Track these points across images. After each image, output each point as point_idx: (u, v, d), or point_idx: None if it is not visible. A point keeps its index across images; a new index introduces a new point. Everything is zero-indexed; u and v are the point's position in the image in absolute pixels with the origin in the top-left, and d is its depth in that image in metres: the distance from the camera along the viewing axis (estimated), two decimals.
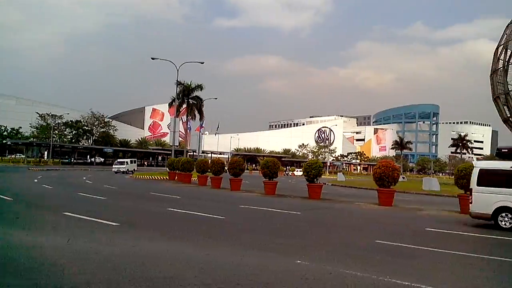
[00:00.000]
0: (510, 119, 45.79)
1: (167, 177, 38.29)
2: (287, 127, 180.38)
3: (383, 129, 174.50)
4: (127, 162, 56.97)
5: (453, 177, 22.01)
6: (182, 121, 54.73)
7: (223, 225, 11.89)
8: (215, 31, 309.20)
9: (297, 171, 76.62)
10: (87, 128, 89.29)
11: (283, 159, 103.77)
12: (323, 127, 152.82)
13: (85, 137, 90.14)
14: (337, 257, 7.88)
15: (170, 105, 50.65)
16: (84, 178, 35.74)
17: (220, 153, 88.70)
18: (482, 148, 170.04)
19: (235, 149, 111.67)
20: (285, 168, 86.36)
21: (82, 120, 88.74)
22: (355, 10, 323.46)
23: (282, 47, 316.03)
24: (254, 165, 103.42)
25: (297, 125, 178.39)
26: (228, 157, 68.69)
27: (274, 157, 37.48)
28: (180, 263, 6.91)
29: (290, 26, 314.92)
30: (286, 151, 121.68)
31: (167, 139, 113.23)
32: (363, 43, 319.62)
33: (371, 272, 6.62)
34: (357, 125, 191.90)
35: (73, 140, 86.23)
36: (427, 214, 16.85)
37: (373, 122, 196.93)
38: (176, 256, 7.47)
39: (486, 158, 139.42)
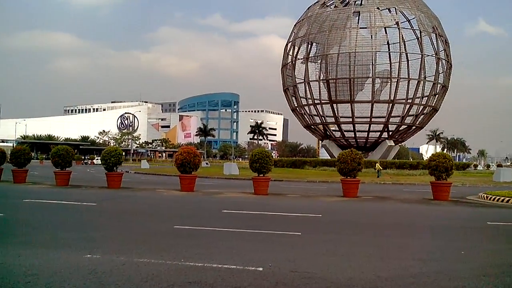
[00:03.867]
0: (297, 108, 52.29)
1: None
2: (86, 112, 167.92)
3: (188, 116, 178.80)
4: None
5: None
6: None
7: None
8: None
9: (97, 159, 72.36)
10: None
11: (81, 147, 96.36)
12: (126, 113, 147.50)
13: None
14: (132, 246, 7.44)
15: None
16: None
17: (2, 141, 76.64)
18: (275, 135, 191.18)
19: (21, 136, 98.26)
20: (83, 157, 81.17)
21: None
22: None
23: (76, 25, 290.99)
24: (47, 154, 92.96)
25: (97, 111, 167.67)
26: (13, 146, 59.78)
27: (70, 145, 34.10)
28: None
29: (85, 2, 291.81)
30: (85, 138, 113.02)
31: None
32: (165, 28, 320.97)
33: (166, 258, 6.51)
34: (162, 112, 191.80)
35: None
36: (225, 196, 17.71)
37: (178, 109, 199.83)
38: None
39: (278, 143, 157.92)
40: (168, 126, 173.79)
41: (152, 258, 6.51)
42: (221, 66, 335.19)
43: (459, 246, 8.12)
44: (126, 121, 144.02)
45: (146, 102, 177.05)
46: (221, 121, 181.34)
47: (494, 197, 17.92)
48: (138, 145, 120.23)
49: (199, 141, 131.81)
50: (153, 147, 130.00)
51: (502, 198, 17.38)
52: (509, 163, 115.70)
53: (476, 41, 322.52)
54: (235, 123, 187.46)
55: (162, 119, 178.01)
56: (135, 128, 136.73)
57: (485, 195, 18.67)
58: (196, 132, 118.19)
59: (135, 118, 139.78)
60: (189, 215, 12.36)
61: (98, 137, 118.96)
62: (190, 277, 5.62)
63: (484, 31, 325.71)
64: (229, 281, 5.47)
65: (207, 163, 69.11)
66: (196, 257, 6.63)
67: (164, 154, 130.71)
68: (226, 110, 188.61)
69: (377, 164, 36.88)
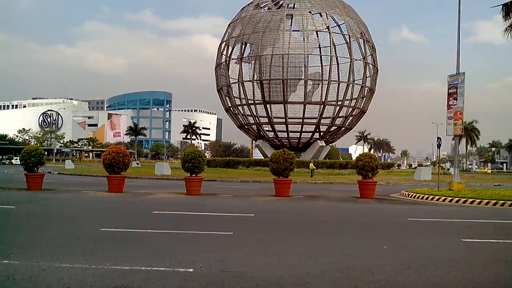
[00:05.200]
0: (231, 108, 52.32)
1: None
2: (4, 109, 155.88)
3: (118, 114, 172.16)
4: None
5: None
6: None
7: None
8: None
9: (16, 159, 67.69)
10: None
11: None
12: (49, 110, 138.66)
13: None
14: (54, 251, 7.00)
15: None
16: None
17: None
18: (209, 135, 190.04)
19: None
20: (0, 157, 75.65)
21: None
22: None
23: None
24: None
25: (16, 107, 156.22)
26: None
27: None
28: None
29: None
30: (2, 137, 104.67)
31: None
32: (92, 22, 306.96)
33: (91, 262, 6.21)
34: (90, 110, 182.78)
35: None
36: (156, 197, 17.26)
37: (107, 107, 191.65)
38: None
39: (212, 143, 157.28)
40: (96, 125, 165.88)
41: (76, 262, 6.18)
42: (153, 64, 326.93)
43: (383, 242, 8.53)
44: (49, 119, 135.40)
45: (71, 99, 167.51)
46: (153, 120, 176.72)
47: (414, 194, 19.17)
48: (62, 144, 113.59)
49: (129, 141, 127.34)
50: (79, 146, 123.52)
51: (422, 195, 18.65)
52: (429, 163, 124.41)
53: (400, 47, 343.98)
54: (167, 123, 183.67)
55: (89, 117, 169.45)
56: (59, 126, 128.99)
57: (406, 193, 19.94)
58: (126, 131, 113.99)
59: (59, 115, 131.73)
60: (117, 217, 11.87)
61: (17, 136, 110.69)
62: (117, 281, 5.40)
63: (407, 38, 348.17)
64: (158, 284, 5.31)
65: (137, 163, 67.18)
66: (123, 260, 6.40)
67: (91, 154, 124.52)
68: (158, 109, 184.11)
69: (310, 164, 37.88)
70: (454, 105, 22.74)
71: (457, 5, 22.92)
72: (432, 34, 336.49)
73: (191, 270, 5.95)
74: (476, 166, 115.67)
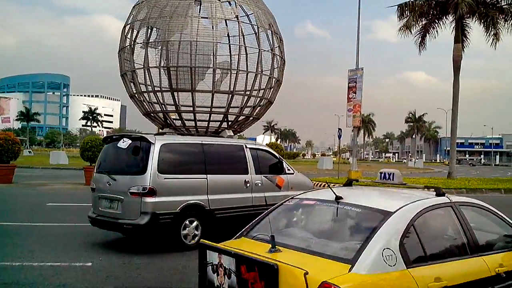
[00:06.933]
0: (136, 95, 50.25)
1: None
2: None
3: (7, 98, 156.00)
4: None
5: None
6: None
7: None
8: None
9: None
10: None
11: None
12: None
13: None
14: None
15: None
16: None
17: None
18: (112, 122, 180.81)
19: None
20: None
21: None
22: None
23: None
24: None
25: None
26: None
27: None
28: None
29: None
30: None
31: None
32: None
33: None
34: None
35: None
36: (51, 188, 16.02)
37: None
38: None
39: (115, 131, 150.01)
40: None
41: None
42: (48, 44, 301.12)
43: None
44: None
45: None
46: (48, 105, 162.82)
47: (316, 182, 20.22)
48: None
49: (20, 127, 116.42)
50: None
51: (323, 183, 19.75)
52: (331, 153, 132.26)
53: (305, 41, 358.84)
54: (65, 108, 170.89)
55: None
56: None
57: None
58: (17, 116, 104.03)
59: None
60: (5, 209, 10.74)
61: None
62: (6, 278, 4.98)
63: (311, 32, 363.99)
64: (53, 280, 4.96)
65: (30, 152, 61.95)
66: (13, 256, 5.89)
67: None
68: (54, 93, 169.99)
69: None
70: (354, 98, 24.38)
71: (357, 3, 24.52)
72: (334, 30, 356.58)
73: (89, 264, 5.67)
74: (372, 156, 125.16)
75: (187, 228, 6.48)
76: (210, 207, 6.73)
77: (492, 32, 23.92)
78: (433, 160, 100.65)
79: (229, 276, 2.76)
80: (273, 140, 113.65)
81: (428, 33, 25.82)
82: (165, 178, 6.34)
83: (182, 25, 37.92)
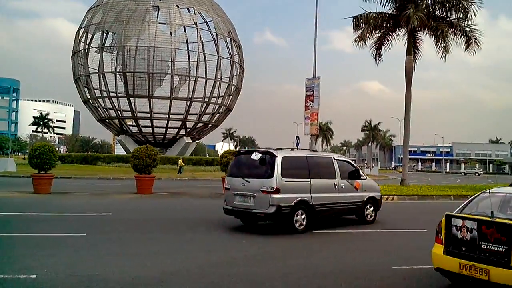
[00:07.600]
0: (90, 100, 48.53)
1: None
2: None
3: None
4: None
5: None
6: None
7: None
8: None
9: None
10: None
11: None
12: None
13: None
14: None
15: None
16: None
17: None
18: (64, 128, 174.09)
19: None
20: None
21: None
22: None
23: None
24: None
25: None
26: None
27: None
28: None
29: None
30: None
31: None
32: None
33: None
34: None
35: None
36: None
37: None
38: None
39: (68, 137, 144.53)
40: None
41: None
42: None
43: (241, 236, 8.87)
44: None
45: None
46: None
47: None
48: None
49: None
50: None
51: None
52: None
53: (263, 49, 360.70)
54: (14, 113, 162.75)
55: None
56: None
57: None
58: None
59: None
60: None
61: None
62: None
63: (269, 40, 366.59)
64: None
65: None
66: None
67: None
68: (3, 97, 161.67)
69: (179, 160, 37.46)
70: (311, 106, 24.75)
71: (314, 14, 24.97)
72: (293, 39, 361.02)
73: (34, 276, 5.39)
74: None
75: (297, 217, 9.13)
76: (312, 203, 9.37)
77: (442, 45, 25.08)
78: (387, 168, 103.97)
79: (470, 232, 4.64)
80: (232, 147, 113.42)
81: (383, 45, 26.71)
82: (285, 181, 8.96)
83: (139, 30, 36.99)
